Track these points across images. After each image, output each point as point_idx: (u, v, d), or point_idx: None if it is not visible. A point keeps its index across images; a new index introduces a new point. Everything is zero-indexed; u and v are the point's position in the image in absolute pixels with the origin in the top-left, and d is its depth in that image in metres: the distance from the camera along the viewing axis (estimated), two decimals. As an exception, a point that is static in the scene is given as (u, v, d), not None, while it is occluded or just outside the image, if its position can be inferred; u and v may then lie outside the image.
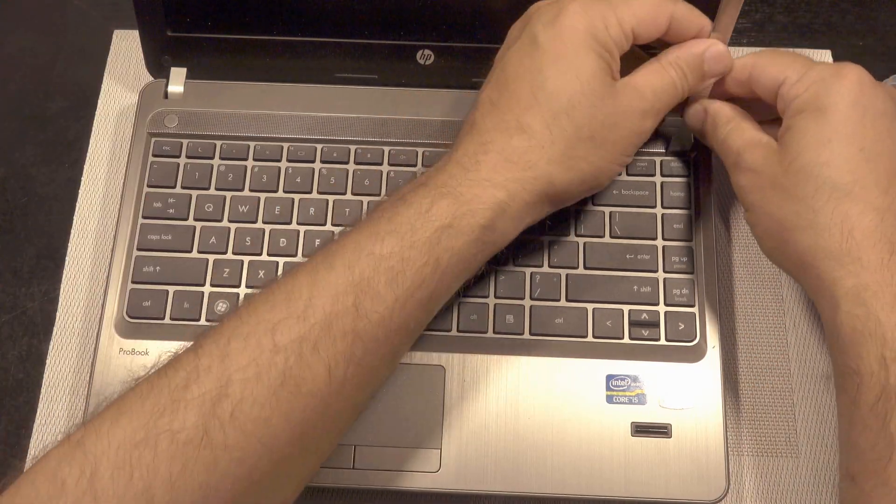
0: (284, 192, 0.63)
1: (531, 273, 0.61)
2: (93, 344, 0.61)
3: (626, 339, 0.59)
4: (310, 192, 0.63)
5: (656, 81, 0.54)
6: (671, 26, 0.54)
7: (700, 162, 0.63)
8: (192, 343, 0.46)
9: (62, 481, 0.41)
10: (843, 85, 0.51)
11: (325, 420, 0.46)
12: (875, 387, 0.46)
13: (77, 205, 0.68)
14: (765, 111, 0.56)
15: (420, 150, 0.64)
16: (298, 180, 0.63)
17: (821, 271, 0.50)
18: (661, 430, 0.57)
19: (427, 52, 0.65)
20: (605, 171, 0.54)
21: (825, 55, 0.73)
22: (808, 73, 0.52)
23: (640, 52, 0.57)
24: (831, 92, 0.51)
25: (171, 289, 0.61)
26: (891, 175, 0.50)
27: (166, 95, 0.67)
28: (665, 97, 0.54)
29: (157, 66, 0.67)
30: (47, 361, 0.64)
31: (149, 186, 0.64)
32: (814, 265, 0.50)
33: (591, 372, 0.58)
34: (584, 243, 0.61)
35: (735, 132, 0.56)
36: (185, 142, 0.65)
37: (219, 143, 0.65)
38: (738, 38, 0.74)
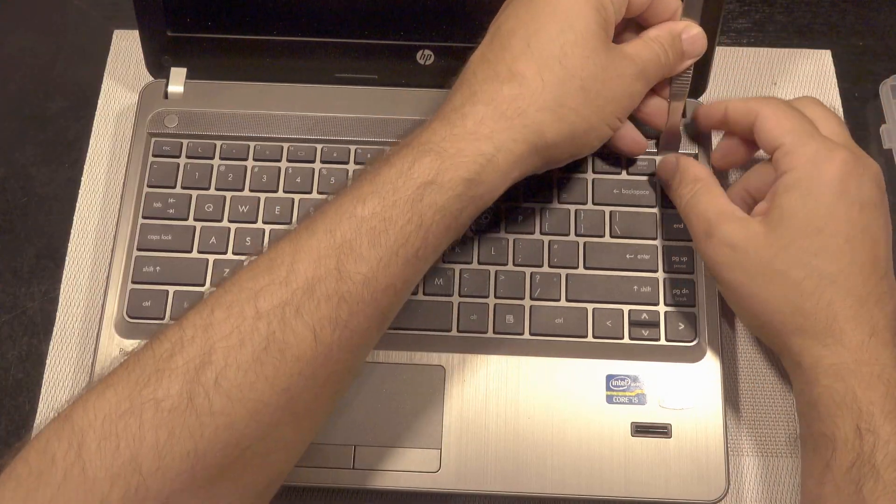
0: (284, 192, 0.63)
1: (531, 273, 0.61)
2: (93, 344, 0.61)
3: (626, 340, 0.59)
4: (310, 193, 0.63)
5: (644, 52, 0.55)
6: (652, 3, 0.56)
7: (700, 159, 0.63)
8: (178, 317, 0.46)
9: (52, 455, 0.41)
10: (831, 172, 0.52)
11: (315, 385, 0.46)
12: (850, 453, 0.48)
13: (77, 205, 0.68)
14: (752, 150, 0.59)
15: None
16: (298, 180, 0.63)
17: (802, 349, 0.52)
18: (661, 431, 0.57)
19: (427, 52, 0.65)
20: (596, 128, 0.54)
21: (825, 55, 0.73)
22: (802, 148, 0.53)
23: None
24: (821, 178, 0.52)
25: (171, 289, 0.61)
26: (873, 263, 0.52)
27: (166, 95, 0.67)
28: (653, 66, 0.56)
29: (157, 67, 0.67)
30: (47, 361, 0.64)
31: (149, 186, 0.64)
32: (796, 343, 0.52)
33: (591, 372, 0.58)
34: (584, 243, 0.61)
35: (704, 196, 0.56)
36: (185, 142, 0.65)
37: (219, 143, 0.65)
38: (738, 39, 0.74)
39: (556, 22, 0.52)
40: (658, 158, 0.62)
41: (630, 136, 0.60)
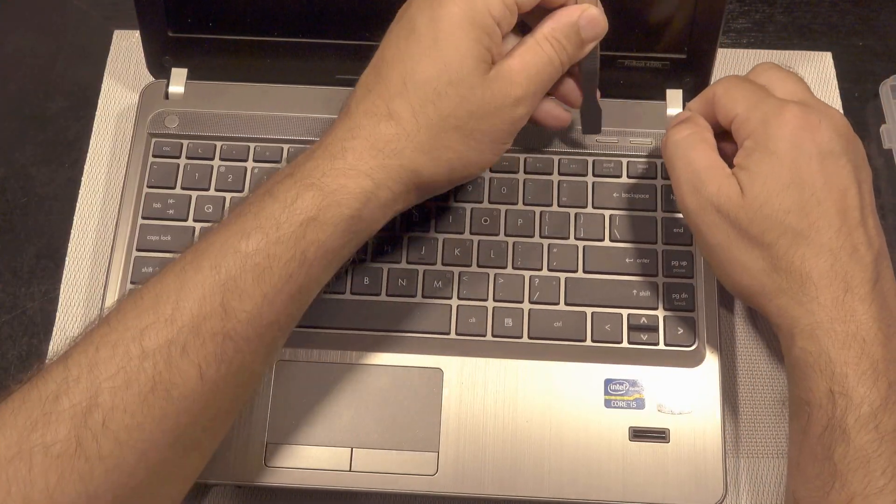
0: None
1: (530, 276, 0.61)
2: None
3: (625, 344, 0.59)
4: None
5: (531, 60, 0.52)
6: None
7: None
8: (62, 352, 0.46)
9: None
10: (786, 128, 0.52)
11: (202, 420, 0.46)
12: (823, 418, 0.48)
13: (77, 205, 0.68)
14: None
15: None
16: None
17: (781, 309, 0.51)
18: (659, 435, 0.57)
19: (427, 53, 0.65)
20: (475, 161, 0.53)
21: (826, 57, 0.73)
22: (753, 112, 0.53)
23: None
24: (777, 136, 0.52)
25: (170, 290, 0.61)
26: (842, 214, 0.51)
27: (167, 96, 0.67)
28: (541, 76, 0.53)
29: (158, 67, 0.67)
30: (47, 361, 0.64)
31: (149, 187, 0.64)
32: (775, 303, 0.51)
33: (590, 376, 0.58)
34: (584, 247, 0.61)
35: (698, 142, 0.55)
36: (185, 142, 0.65)
37: (219, 143, 0.65)
38: (738, 39, 0.74)
39: (431, 60, 0.50)
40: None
41: (551, 113, 0.58)
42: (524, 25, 0.55)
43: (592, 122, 0.61)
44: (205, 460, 0.50)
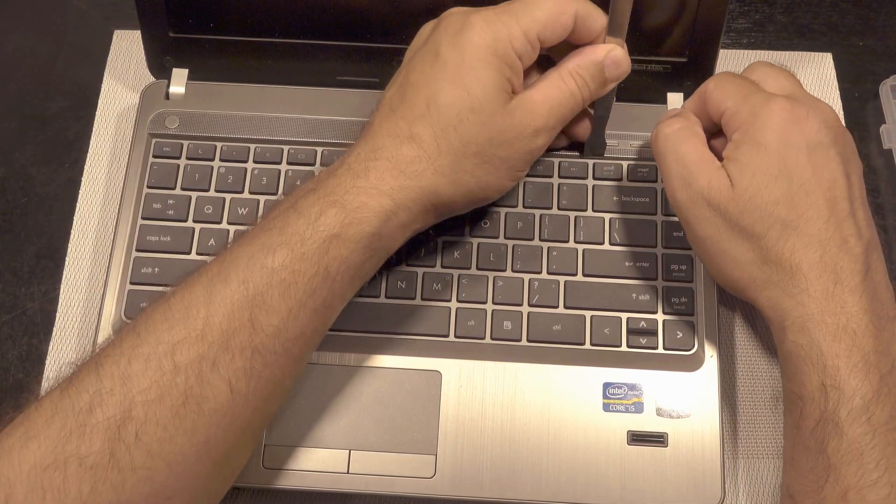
0: (284, 194, 0.63)
1: (529, 279, 0.61)
2: (91, 345, 0.61)
3: (624, 347, 0.59)
4: (309, 196, 0.63)
5: (554, 94, 0.55)
6: (576, 25, 0.54)
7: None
8: (91, 359, 0.47)
9: None
10: (774, 120, 0.52)
11: (231, 434, 0.47)
12: (815, 412, 0.48)
13: (77, 205, 0.68)
14: None
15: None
16: (298, 183, 0.63)
17: (772, 301, 0.51)
18: (658, 439, 0.57)
19: (428, 55, 0.65)
20: (493, 186, 0.55)
21: (826, 57, 0.73)
22: (743, 106, 0.53)
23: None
24: (765, 129, 0.52)
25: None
26: (830, 205, 0.51)
27: (167, 96, 0.67)
28: (562, 110, 0.55)
29: (159, 67, 0.67)
30: (47, 361, 0.64)
31: (149, 187, 0.64)
32: (766, 295, 0.51)
33: (588, 379, 0.58)
34: (583, 250, 0.61)
35: (689, 136, 0.55)
36: (185, 143, 0.65)
37: (219, 144, 0.65)
38: (738, 39, 0.74)
39: (455, 86, 0.52)
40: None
41: None
42: (546, 60, 0.57)
43: (596, 150, 0.63)
44: (234, 475, 0.52)
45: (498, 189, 0.56)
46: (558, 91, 0.55)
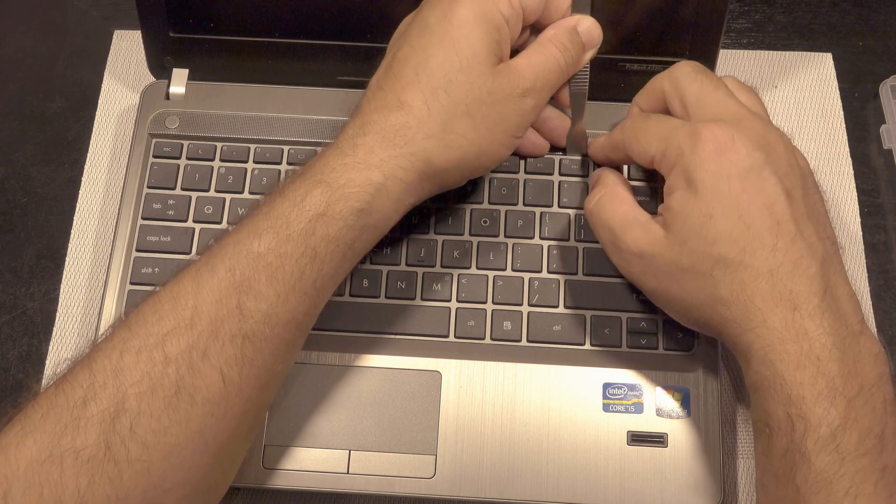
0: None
1: (529, 279, 0.61)
2: (91, 344, 0.61)
3: (624, 348, 0.59)
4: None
5: (537, 58, 0.55)
6: (546, 6, 0.56)
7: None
8: (85, 355, 0.47)
9: None
10: (701, 155, 0.51)
11: (227, 423, 0.47)
12: (783, 442, 0.47)
13: (77, 205, 0.69)
14: None
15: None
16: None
17: (732, 338, 0.50)
18: (658, 440, 0.57)
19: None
20: (487, 151, 0.55)
21: (826, 59, 0.73)
22: (668, 147, 0.53)
23: None
24: (693, 166, 0.51)
25: (170, 291, 0.61)
26: (774, 230, 0.49)
27: (168, 96, 0.67)
28: (548, 74, 0.55)
29: (159, 67, 0.67)
30: (47, 361, 0.64)
31: (149, 187, 0.64)
32: (726, 333, 0.51)
33: (588, 380, 0.58)
34: (584, 249, 0.61)
35: (608, 202, 0.56)
36: (185, 143, 0.65)
37: (219, 144, 0.65)
38: (738, 39, 0.74)
39: (443, 49, 0.52)
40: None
41: (529, 140, 0.62)
42: None
43: (577, 145, 0.63)
44: (235, 467, 0.51)
45: (492, 156, 0.55)
46: (541, 56, 0.55)
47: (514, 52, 0.56)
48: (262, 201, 0.51)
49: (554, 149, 0.64)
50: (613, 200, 0.56)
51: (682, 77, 0.56)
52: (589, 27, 0.57)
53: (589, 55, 0.58)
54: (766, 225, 0.49)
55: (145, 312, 0.47)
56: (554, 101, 0.60)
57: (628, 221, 0.54)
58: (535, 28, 0.58)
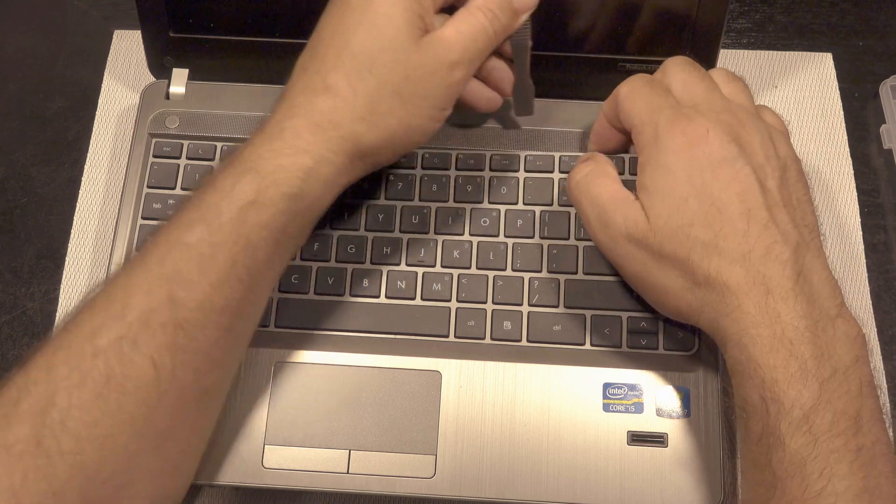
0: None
1: (529, 279, 0.61)
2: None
3: (624, 348, 0.59)
4: (309, 196, 0.63)
5: (465, 28, 0.54)
6: None
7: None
8: (26, 358, 0.48)
9: None
10: (675, 144, 0.51)
11: (163, 411, 0.47)
12: (759, 425, 0.48)
13: (77, 205, 0.69)
14: None
15: (420, 153, 0.64)
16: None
17: (711, 323, 0.51)
18: (658, 440, 0.57)
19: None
20: (416, 127, 0.54)
21: (826, 57, 0.73)
22: (647, 123, 0.53)
23: None
24: (666, 150, 0.52)
25: (170, 291, 0.61)
26: (746, 216, 0.50)
27: (168, 96, 0.67)
28: (476, 43, 0.54)
29: (159, 67, 0.67)
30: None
31: (149, 187, 0.64)
32: (704, 318, 0.51)
33: (588, 380, 0.58)
34: (584, 248, 0.61)
35: (597, 177, 0.56)
36: (185, 143, 0.65)
37: (219, 144, 0.65)
38: (738, 39, 0.74)
39: (364, 29, 0.52)
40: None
41: (481, 94, 0.60)
42: None
43: (525, 102, 0.62)
44: (186, 456, 0.52)
45: (422, 131, 0.55)
46: (469, 25, 0.54)
47: (452, 10, 0.56)
48: (192, 194, 0.51)
49: (554, 146, 0.64)
50: (604, 176, 0.56)
51: (672, 66, 0.57)
52: None
53: (523, 18, 0.57)
54: (737, 211, 0.50)
55: (81, 311, 0.48)
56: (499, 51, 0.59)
57: (618, 198, 0.54)
58: None
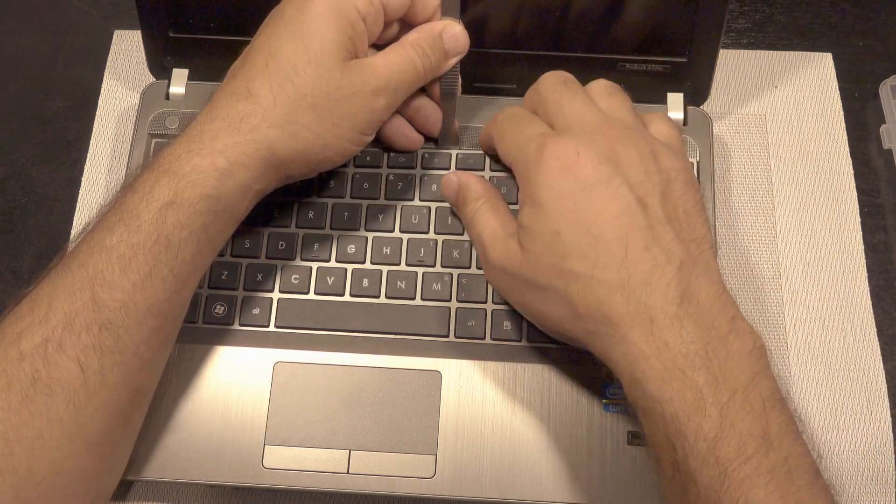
0: (283, 195, 0.63)
1: (529, 279, 0.60)
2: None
3: (624, 347, 0.59)
4: (309, 196, 0.63)
5: (394, 59, 0.55)
6: (412, 6, 0.56)
7: (701, 167, 0.63)
8: None
9: None
10: (545, 172, 0.51)
11: (93, 411, 0.48)
12: (669, 462, 0.46)
13: (77, 205, 0.69)
14: None
15: (420, 153, 0.64)
16: (298, 183, 0.63)
17: (602, 354, 0.49)
18: (657, 439, 0.57)
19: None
20: (332, 145, 0.55)
21: (826, 57, 0.73)
22: (518, 159, 0.54)
23: None
24: (537, 183, 0.51)
25: (170, 291, 0.61)
26: (621, 242, 0.48)
27: (168, 96, 0.67)
28: (403, 75, 0.55)
29: (159, 67, 0.67)
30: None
31: (148, 187, 0.64)
32: (595, 348, 0.50)
33: (588, 380, 0.58)
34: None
35: (480, 216, 0.57)
36: (185, 143, 0.65)
37: (219, 144, 0.65)
38: (738, 39, 0.74)
39: (294, 41, 0.53)
40: (443, 175, 0.62)
41: (402, 133, 0.62)
42: None
43: (447, 139, 0.64)
44: (120, 455, 0.52)
45: (339, 151, 0.55)
46: (399, 57, 0.55)
47: (383, 47, 0.57)
48: (113, 198, 0.52)
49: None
50: (487, 212, 0.57)
51: (544, 88, 0.56)
52: (456, 34, 0.57)
53: (452, 61, 0.58)
54: (614, 236, 0.48)
55: (7, 318, 0.48)
56: (429, 93, 0.60)
57: (495, 234, 0.55)
58: (405, 24, 0.58)
